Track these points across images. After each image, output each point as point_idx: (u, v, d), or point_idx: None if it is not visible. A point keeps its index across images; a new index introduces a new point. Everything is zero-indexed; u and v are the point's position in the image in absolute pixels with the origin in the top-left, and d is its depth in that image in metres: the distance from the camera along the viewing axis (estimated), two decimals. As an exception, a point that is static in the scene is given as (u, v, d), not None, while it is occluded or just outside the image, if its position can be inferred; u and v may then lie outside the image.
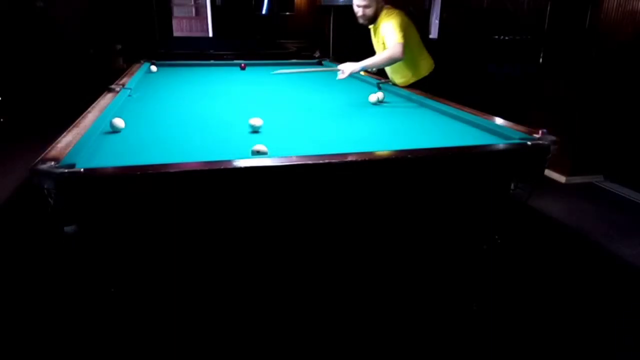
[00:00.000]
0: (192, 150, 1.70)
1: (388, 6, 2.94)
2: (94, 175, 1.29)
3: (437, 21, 6.27)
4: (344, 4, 6.68)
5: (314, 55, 5.26)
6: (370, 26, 3.07)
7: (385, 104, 2.62)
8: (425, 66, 3.12)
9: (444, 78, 3.50)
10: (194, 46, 7.28)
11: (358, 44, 6.85)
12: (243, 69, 3.91)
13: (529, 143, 1.75)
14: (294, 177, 1.47)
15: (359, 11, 2.90)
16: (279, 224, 1.55)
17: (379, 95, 2.62)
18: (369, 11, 2.87)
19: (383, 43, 2.89)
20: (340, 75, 2.82)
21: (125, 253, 1.45)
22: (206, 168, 1.40)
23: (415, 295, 2.00)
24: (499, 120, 2.08)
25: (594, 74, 3.69)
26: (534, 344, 1.96)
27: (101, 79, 3.52)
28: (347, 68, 2.76)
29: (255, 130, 1.96)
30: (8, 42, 5.69)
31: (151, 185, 1.34)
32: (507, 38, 4.32)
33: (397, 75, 3.16)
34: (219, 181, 1.41)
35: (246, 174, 1.40)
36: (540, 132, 1.83)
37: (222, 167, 1.39)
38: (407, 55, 2.75)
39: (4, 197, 3.23)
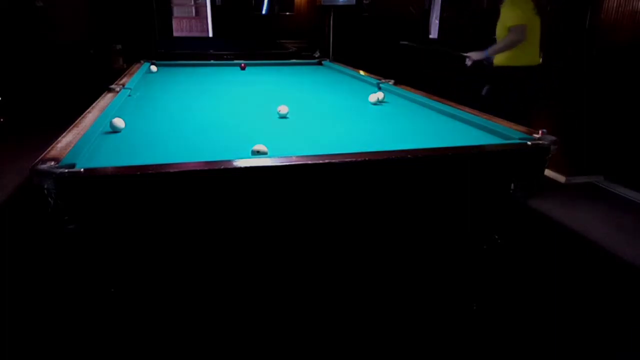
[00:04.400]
0: (192, 150, 1.70)
1: None
2: (94, 175, 1.29)
3: (437, 21, 6.26)
4: (344, 4, 6.69)
5: (314, 55, 5.26)
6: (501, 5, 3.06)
7: (385, 104, 2.62)
8: (525, 58, 3.07)
9: (444, 78, 3.50)
10: (194, 46, 7.28)
11: (358, 44, 6.87)
12: (243, 69, 3.91)
13: (529, 143, 1.76)
14: (294, 177, 1.47)
15: None
16: (279, 224, 1.55)
17: (379, 95, 2.62)
18: None
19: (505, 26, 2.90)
20: (468, 62, 2.84)
21: (125, 253, 1.45)
22: (206, 168, 1.40)
23: (416, 295, 2.01)
24: (499, 120, 2.08)
25: (594, 74, 3.69)
26: (534, 344, 1.96)
27: (101, 79, 3.52)
28: (473, 56, 2.85)
29: (283, 117, 2.21)
30: (8, 42, 5.69)
31: (151, 185, 1.34)
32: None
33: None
34: (219, 181, 1.41)
35: (246, 174, 1.40)
36: (540, 132, 1.83)
37: (222, 167, 1.39)
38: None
39: (4, 197, 3.23)
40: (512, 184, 1.76)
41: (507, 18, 2.93)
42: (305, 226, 1.59)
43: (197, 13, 11.78)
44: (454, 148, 1.73)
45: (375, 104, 2.60)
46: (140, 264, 1.49)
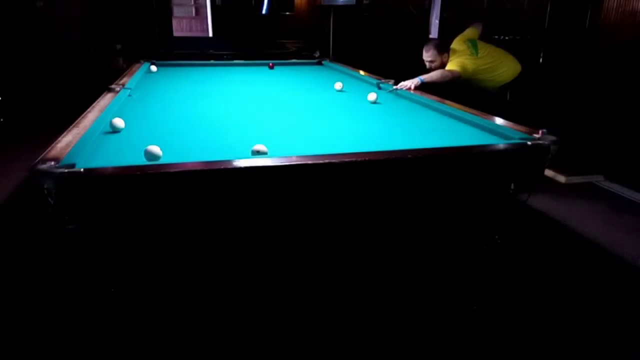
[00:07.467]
0: (192, 150, 1.70)
1: (453, 48, 3.29)
2: (94, 175, 1.30)
3: (437, 21, 6.26)
4: (344, 4, 6.68)
5: (314, 55, 5.26)
6: None
7: (385, 104, 2.62)
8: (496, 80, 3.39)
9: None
10: (194, 46, 7.28)
11: (358, 44, 6.87)
12: (271, 68, 4.03)
13: (529, 143, 1.75)
14: (294, 177, 1.47)
15: (427, 64, 3.27)
16: (279, 223, 1.55)
17: (376, 95, 2.62)
18: (435, 65, 3.24)
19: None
20: (404, 86, 2.99)
21: (125, 253, 1.45)
22: (206, 168, 1.40)
23: (416, 295, 2.01)
24: (499, 120, 2.08)
25: (594, 74, 3.69)
26: (534, 344, 1.96)
27: (101, 79, 3.52)
28: (408, 83, 2.98)
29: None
30: (8, 42, 5.68)
31: (151, 185, 1.34)
32: (507, 38, 4.32)
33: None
34: (219, 181, 1.41)
35: (246, 174, 1.40)
36: (540, 132, 1.83)
37: (222, 167, 1.40)
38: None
39: (4, 197, 3.23)
40: (512, 184, 1.76)
41: (449, 62, 3.26)
42: (306, 226, 1.59)
43: (197, 13, 11.77)
44: (454, 148, 1.73)
45: (374, 102, 2.60)
46: (140, 263, 1.49)
